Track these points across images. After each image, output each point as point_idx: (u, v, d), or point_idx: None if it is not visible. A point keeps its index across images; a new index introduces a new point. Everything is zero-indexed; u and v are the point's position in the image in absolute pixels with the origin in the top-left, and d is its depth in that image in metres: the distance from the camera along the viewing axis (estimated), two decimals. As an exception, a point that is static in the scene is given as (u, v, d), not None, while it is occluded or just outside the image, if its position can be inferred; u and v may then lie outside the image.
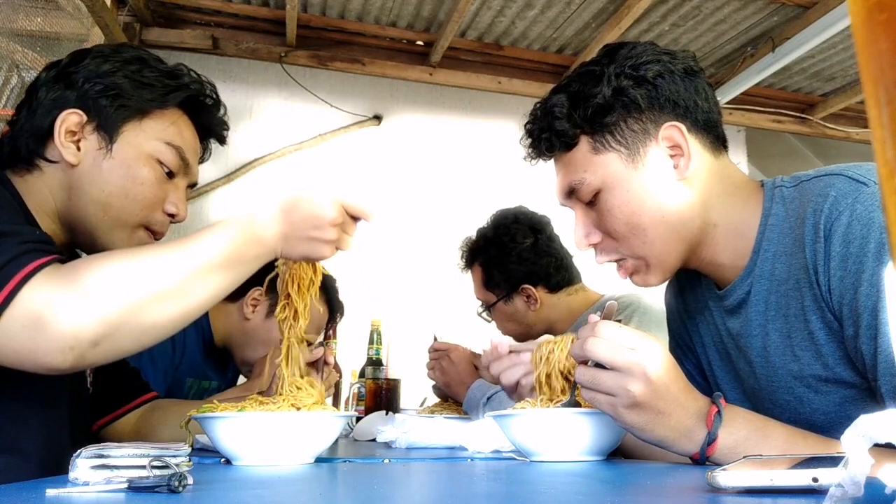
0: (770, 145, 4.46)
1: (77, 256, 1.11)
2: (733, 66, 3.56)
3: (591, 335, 0.79)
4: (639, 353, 0.77)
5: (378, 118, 3.61)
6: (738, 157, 4.18)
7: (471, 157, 3.66)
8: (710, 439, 0.77)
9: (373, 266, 3.28)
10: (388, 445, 1.31)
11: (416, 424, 1.30)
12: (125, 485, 0.55)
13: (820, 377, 0.86)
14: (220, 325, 1.75)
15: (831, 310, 0.82)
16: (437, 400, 1.91)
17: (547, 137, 0.98)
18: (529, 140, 1.02)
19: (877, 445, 0.40)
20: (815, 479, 0.47)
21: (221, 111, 1.12)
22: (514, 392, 1.09)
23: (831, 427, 0.84)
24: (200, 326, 1.72)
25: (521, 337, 1.87)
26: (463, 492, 0.64)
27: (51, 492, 0.53)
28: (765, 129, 3.98)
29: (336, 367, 1.53)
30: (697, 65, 0.97)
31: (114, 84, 0.98)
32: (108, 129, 0.98)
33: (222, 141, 1.15)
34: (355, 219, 0.92)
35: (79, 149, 0.97)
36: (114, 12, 2.66)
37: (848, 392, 0.84)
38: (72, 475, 0.56)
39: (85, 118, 0.97)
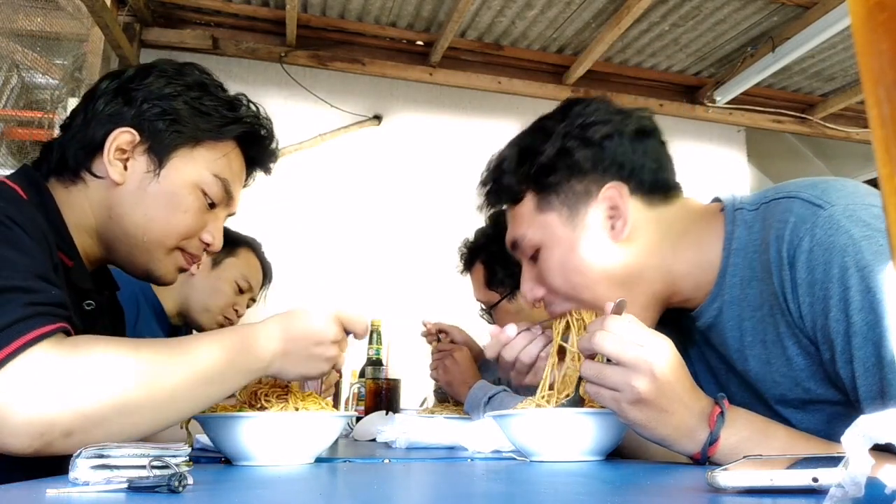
0: (770, 145, 4.46)
1: (107, 272, 1.09)
2: (733, 66, 3.56)
3: (600, 329, 0.80)
4: (646, 349, 0.77)
5: (378, 118, 3.61)
6: (738, 157, 4.18)
7: (471, 157, 3.66)
8: (712, 440, 0.77)
9: (373, 266, 3.28)
10: (388, 445, 1.31)
11: (416, 424, 1.30)
12: (125, 485, 0.55)
13: (803, 399, 0.86)
14: (168, 297, 1.78)
15: (806, 335, 0.81)
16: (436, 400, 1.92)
17: (495, 190, 1.01)
18: (479, 189, 1.05)
19: (877, 445, 0.40)
20: (815, 479, 0.47)
21: (274, 144, 1.11)
22: (531, 372, 1.06)
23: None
24: (152, 306, 1.74)
25: None
26: (463, 492, 0.64)
27: (51, 492, 0.53)
28: (765, 129, 3.98)
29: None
30: (652, 123, 0.98)
31: (172, 108, 0.97)
32: (159, 152, 0.96)
33: (269, 172, 1.14)
34: (347, 333, 0.92)
35: (126, 168, 0.96)
36: (114, 12, 2.66)
37: (834, 409, 0.84)
38: (72, 475, 0.56)
39: (138, 138, 0.96)
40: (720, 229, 0.92)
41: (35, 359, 0.68)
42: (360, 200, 3.41)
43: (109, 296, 1.09)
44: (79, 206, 0.96)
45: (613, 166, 0.93)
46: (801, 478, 0.48)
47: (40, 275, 0.76)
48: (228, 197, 1.03)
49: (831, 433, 0.82)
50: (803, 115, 3.97)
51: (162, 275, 1.01)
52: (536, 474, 0.78)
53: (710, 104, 3.82)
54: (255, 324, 0.85)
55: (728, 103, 3.79)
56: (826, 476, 0.47)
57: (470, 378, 1.72)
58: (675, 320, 1.01)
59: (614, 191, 0.93)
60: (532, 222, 0.97)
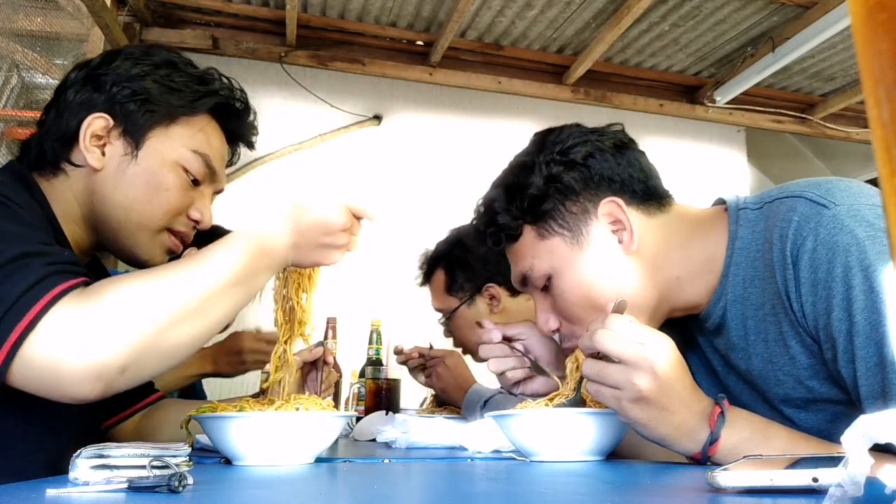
0: (770, 145, 4.46)
1: (100, 264, 1.10)
2: (733, 66, 3.56)
3: (601, 327, 0.80)
4: (647, 347, 0.78)
5: (378, 118, 3.61)
6: (738, 157, 4.18)
7: (471, 157, 3.66)
8: (712, 439, 0.77)
9: (373, 266, 3.28)
10: (388, 445, 1.31)
11: (416, 424, 1.30)
12: (125, 485, 0.55)
13: (806, 398, 0.86)
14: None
15: (809, 334, 0.82)
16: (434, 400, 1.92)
17: (493, 232, 1.01)
18: (477, 234, 1.05)
19: (877, 445, 0.40)
20: (815, 479, 0.47)
21: (251, 116, 1.10)
22: (501, 375, 1.10)
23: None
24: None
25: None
26: (463, 492, 0.64)
27: (51, 492, 0.53)
28: (765, 129, 3.98)
29: (336, 366, 1.53)
30: (626, 136, 0.99)
31: (142, 89, 0.97)
32: (134, 134, 0.96)
33: (251, 146, 1.13)
34: (358, 218, 0.92)
35: (104, 153, 0.96)
36: (114, 12, 2.66)
37: (836, 408, 0.84)
38: (72, 475, 0.56)
39: (112, 122, 0.96)
40: (724, 229, 0.92)
41: (67, 310, 0.69)
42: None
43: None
44: (63, 197, 0.96)
45: (603, 182, 0.94)
46: (801, 478, 0.48)
47: (46, 242, 0.78)
48: (211, 172, 1.03)
49: (834, 433, 0.82)
50: (803, 115, 3.97)
51: (148, 258, 1.01)
52: (536, 474, 0.78)
53: (710, 104, 3.82)
54: (263, 224, 0.85)
55: (728, 103, 3.80)
56: (826, 476, 0.47)
57: (464, 382, 1.72)
58: (673, 325, 1.01)
59: (612, 205, 0.93)
60: (537, 252, 0.97)
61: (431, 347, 1.87)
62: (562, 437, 0.89)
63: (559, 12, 3.18)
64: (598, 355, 0.81)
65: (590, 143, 0.96)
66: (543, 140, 0.99)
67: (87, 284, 0.75)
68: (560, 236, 0.95)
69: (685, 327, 1.02)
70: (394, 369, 1.95)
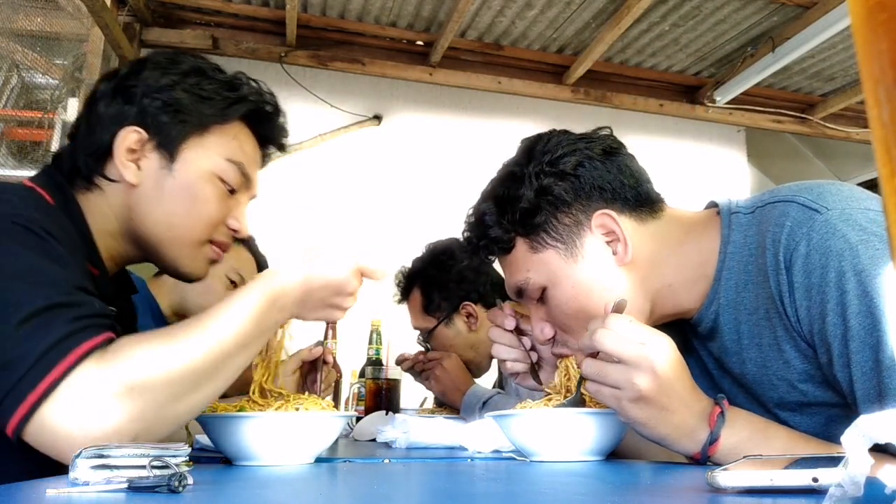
0: (770, 145, 4.46)
1: (127, 276, 1.08)
2: (733, 66, 3.56)
3: (601, 327, 0.80)
4: (647, 347, 0.78)
5: (378, 118, 3.61)
6: (738, 157, 4.18)
7: (471, 157, 3.66)
8: (712, 439, 0.77)
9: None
10: (388, 445, 1.31)
11: (416, 424, 1.30)
12: (125, 485, 0.55)
13: (801, 402, 0.86)
14: (163, 296, 1.78)
15: (803, 338, 0.81)
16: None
17: (485, 245, 1.00)
18: (469, 247, 1.04)
19: (876, 445, 0.40)
20: (815, 479, 0.47)
21: (282, 118, 1.09)
22: (502, 362, 1.09)
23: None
24: (149, 305, 1.74)
25: (468, 363, 1.84)
26: (463, 492, 0.64)
27: (51, 492, 0.53)
28: (765, 129, 3.98)
29: (336, 366, 1.53)
30: (615, 141, 0.98)
31: (173, 99, 0.95)
32: (168, 146, 0.95)
33: (283, 148, 1.12)
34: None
35: (139, 168, 0.94)
36: (114, 12, 2.66)
37: (831, 412, 0.84)
38: (72, 475, 0.56)
39: (145, 135, 0.94)
40: (716, 234, 0.92)
41: (86, 376, 0.68)
42: (360, 200, 3.41)
43: (127, 299, 1.09)
44: (100, 211, 0.95)
45: (594, 192, 0.93)
46: (801, 478, 0.48)
47: (80, 286, 0.75)
48: (247, 180, 1.02)
49: (829, 436, 0.82)
50: (803, 115, 3.97)
51: (191, 271, 1.00)
52: (536, 474, 0.78)
53: (710, 104, 3.82)
54: (276, 272, 0.85)
55: (728, 103, 3.80)
56: (826, 476, 0.47)
57: (462, 384, 1.72)
58: (669, 327, 1.00)
59: (605, 217, 0.92)
60: (531, 265, 0.96)
61: (428, 350, 1.88)
62: (562, 437, 0.89)
63: (559, 12, 3.18)
64: (598, 355, 0.81)
65: (578, 151, 0.94)
66: (532, 149, 0.97)
67: (111, 339, 0.73)
68: (553, 249, 0.94)
69: (681, 330, 1.02)
70: (394, 369, 1.95)
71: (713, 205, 0.97)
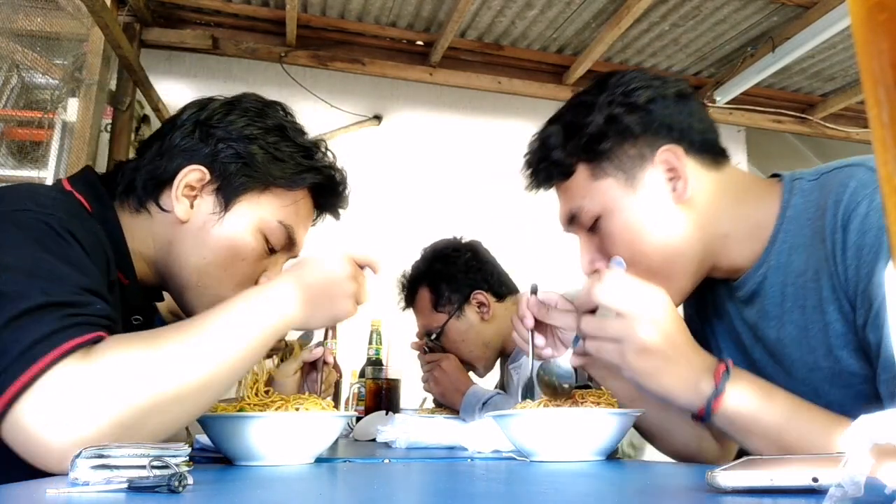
0: (770, 145, 4.46)
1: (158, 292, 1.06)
2: (733, 66, 3.56)
3: (597, 282, 0.81)
4: (646, 298, 0.79)
5: (378, 118, 3.61)
6: (738, 157, 4.18)
7: (471, 157, 3.66)
8: (717, 392, 0.78)
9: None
10: (388, 445, 1.31)
11: (416, 424, 1.30)
12: (125, 485, 0.55)
13: (834, 370, 0.86)
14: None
15: (848, 298, 0.82)
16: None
17: (545, 168, 0.99)
18: (528, 170, 1.03)
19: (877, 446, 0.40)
20: (815, 479, 0.47)
21: (347, 191, 1.08)
22: (551, 340, 1.02)
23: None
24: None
25: (478, 360, 1.84)
26: (463, 492, 0.64)
27: (51, 492, 0.53)
28: (765, 129, 3.98)
29: (336, 366, 1.53)
30: (689, 88, 0.98)
31: (248, 152, 0.95)
32: (226, 195, 0.94)
33: (337, 217, 1.11)
34: (362, 268, 0.92)
35: (192, 206, 0.94)
36: (114, 12, 2.66)
37: (862, 387, 0.84)
38: (72, 475, 0.56)
39: (208, 177, 0.94)
40: (777, 198, 0.92)
41: (66, 373, 0.65)
42: (360, 200, 3.40)
43: (153, 309, 1.08)
44: (140, 234, 0.94)
45: (663, 128, 0.93)
46: (801, 478, 0.48)
47: (88, 289, 0.73)
48: (291, 243, 1.00)
49: (858, 412, 0.83)
50: (803, 115, 3.97)
51: None
52: (536, 474, 0.78)
53: (710, 104, 3.82)
54: (268, 285, 0.84)
55: (728, 103, 3.79)
56: (826, 476, 0.47)
57: (461, 385, 1.72)
58: (703, 291, 1.02)
59: (670, 153, 0.92)
60: (588, 192, 0.95)
61: (427, 351, 1.87)
62: (562, 437, 0.89)
63: (559, 12, 3.18)
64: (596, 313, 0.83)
65: (652, 88, 0.94)
66: (605, 82, 0.97)
67: (101, 339, 0.69)
68: (613, 178, 0.93)
69: (715, 293, 1.03)
70: (394, 369, 1.95)
71: (775, 176, 0.98)
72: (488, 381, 1.93)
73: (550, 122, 1.01)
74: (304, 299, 0.84)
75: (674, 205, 0.92)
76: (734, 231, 0.93)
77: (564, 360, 0.95)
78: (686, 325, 0.82)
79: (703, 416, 0.80)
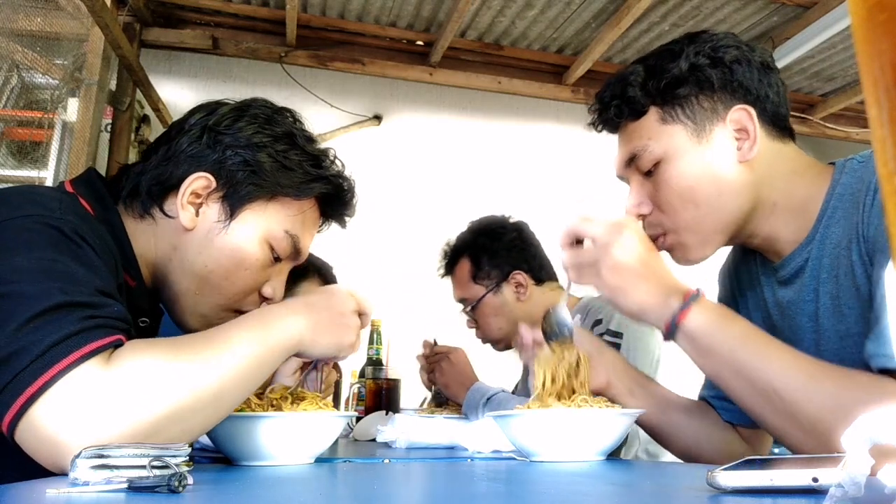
0: (770, 145, 4.46)
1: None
2: (733, 66, 3.56)
3: (575, 216, 0.87)
4: (619, 224, 0.86)
5: (378, 118, 3.61)
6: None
7: (471, 157, 3.66)
8: (684, 307, 0.84)
9: (373, 266, 3.27)
10: (388, 445, 1.31)
11: (416, 424, 1.30)
12: (125, 485, 0.55)
13: (865, 334, 0.86)
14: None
15: (870, 256, 0.84)
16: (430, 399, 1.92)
17: (618, 104, 1.00)
18: (599, 106, 1.04)
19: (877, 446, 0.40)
20: (815, 479, 0.47)
21: (354, 200, 1.07)
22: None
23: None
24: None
25: (504, 338, 1.85)
26: (463, 492, 0.64)
27: (51, 492, 0.53)
28: (765, 129, 3.98)
29: (335, 366, 1.53)
30: (774, 62, 1.00)
31: (255, 160, 0.93)
32: (233, 203, 0.93)
33: (343, 226, 1.10)
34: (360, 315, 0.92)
35: (197, 214, 0.92)
36: (114, 12, 2.66)
37: None
38: (72, 475, 0.56)
39: (214, 184, 0.92)
40: (828, 178, 0.94)
41: (85, 377, 0.64)
42: (360, 200, 3.40)
43: (160, 311, 1.07)
44: (144, 239, 0.93)
45: (741, 90, 0.95)
46: (801, 478, 0.48)
47: (103, 291, 0.73)
48: (296, 252, 0.99)
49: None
50: (803, 115, 3.97)
51: (190, 329, 0.96)
52: (536, 474, 0.78)
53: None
54: (278, 305, 0.86)
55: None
56: (826, 476, 0.47)
57: (466, 379, 1.72)
58: (735, 265, 1.08)
59: (744, 113, 0.94)
60: (655, 134, 0.97)
61: (436, 343, 1.88)
62: (562, 437, 0.89)
63: (559, 12, 3.18)
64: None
65: (741, 49, 0.96)
66: (696, 36, 0.99)
67: (121, 343, 0.70)
68: (683, 125, 0.95)
69: (750, 267, 1.07)
70: (394, 369, 1.95)
71: (831, 164, 1.00)
72: (505, 377, 1.93)
73: (635, 62, 1.02)
74: (309, 323, 0.84)
75: (736, 163, 0.94)
76: (783, 202, 0.95)
77: (563, 311, 1.02)
78: (659, 255, 0.89)
79: (669, 332, 0.85)
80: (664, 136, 0.96)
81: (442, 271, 1.95)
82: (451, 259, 1.92)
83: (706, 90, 0.95)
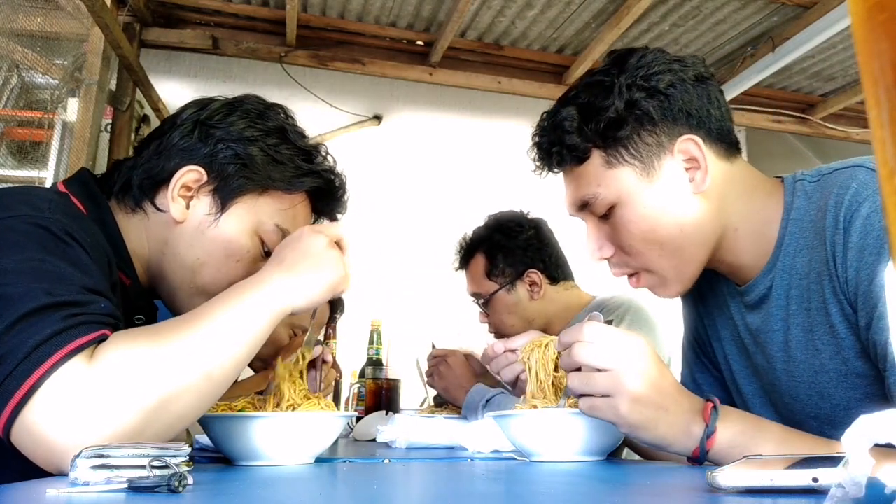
0: (770, 145, 4.46)
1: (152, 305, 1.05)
2: (733, 66, 3.56)
3: (577, 341, 0.80)
4: (629, 350, 0.78)
5: (378, 118, 3.61)
6: (738, 157, 4.18)
7: (471, 157, 3.66)
8: (709, 432, 0.77)
9: (373, 266, 3.28)
10: (388, 445, 1.31)
11: (416, 424, 1.30)
12: (125, 485, 0.55)
13: (841, 371, 0.86)
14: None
15: (849, 300, 0.81)
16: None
17: (557, 151, 0.96)
18: (538, 153, 0.99)
19: (877, 446, 0.40)
20: (815, 479, 0.47)
21: (346, 196, 1.07)
22: (516, 388, 1.09)
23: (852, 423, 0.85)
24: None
25: (518, 333, 1.86)
26: (463, 492, 0.64)
27: (51, 492, 0.53)
28: (765, 129, 3.98)
29: (335, 366, 1.53)
30: (707, 70, 0.95)
31: (247, 154, 0.94)
32: (223, 196, 0.93)
33: (335, 220, 1.09)
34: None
35: (188, 207, 0.93)
36: (114, 12, 2.66)
37: (869, 388, 0.84)
38: (72, 475, 0.56)
39: (205, 177, 0.93)
40: (780, 200, 0.92)
41: (69, 375, 0.64)
42: (360, 200, 3.40)
43: (155, 308, 1.07)
44: (136, 234, 0.94)
45: (682, 115, 0.91)
46: (801, 478, 0.48)
47: (91, 288, 0.72)
48: None
49: (864, 412, 0.83)
50: (803, 115, 3.97)
51: None
52: (536, 474, 0.78)
53: (710, 104, 3.81)
54: (254, 276, 0.83)
55: (728, 103, 3.79)
56: (826, 476, 0.47)
57: (465, 382, 1.72)
58: (699, 287, 1.01)
59: (691, 142, 0.90)
60: (604, 179, 0.92)
61: (434, 347, 1.88)
62: (562, 437, 0.89)
63: (559, 12, 3.18)
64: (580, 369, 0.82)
65: (673, 71, 0.91)
66: (625, 61, 0.93)
67: (106, 337, 0.69)
68: (630, 166, 0.91)
69: (716, 289, 1.03)
70: (394, 369, 1.95)
71: (777, 178, 0.97)
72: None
73: (564, 102, 0.97)
74: (289, 274, 0.81)
75: (692, 195, 0.91)
76: (743, 226, 0.92)
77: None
78: (668, 369, 0.81)
79: (698, 458, 0.78)
80: (612, 180, 0.92)
81: (457, 265, 1.95)
82: (467, 253, 1.91)
83: (647, 125, 0.90)
